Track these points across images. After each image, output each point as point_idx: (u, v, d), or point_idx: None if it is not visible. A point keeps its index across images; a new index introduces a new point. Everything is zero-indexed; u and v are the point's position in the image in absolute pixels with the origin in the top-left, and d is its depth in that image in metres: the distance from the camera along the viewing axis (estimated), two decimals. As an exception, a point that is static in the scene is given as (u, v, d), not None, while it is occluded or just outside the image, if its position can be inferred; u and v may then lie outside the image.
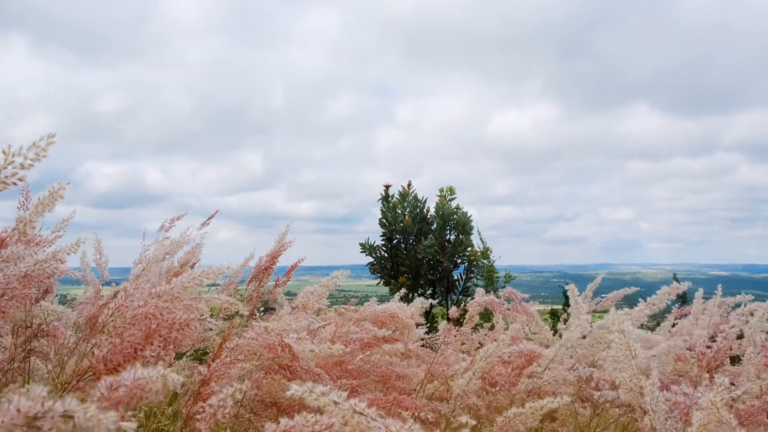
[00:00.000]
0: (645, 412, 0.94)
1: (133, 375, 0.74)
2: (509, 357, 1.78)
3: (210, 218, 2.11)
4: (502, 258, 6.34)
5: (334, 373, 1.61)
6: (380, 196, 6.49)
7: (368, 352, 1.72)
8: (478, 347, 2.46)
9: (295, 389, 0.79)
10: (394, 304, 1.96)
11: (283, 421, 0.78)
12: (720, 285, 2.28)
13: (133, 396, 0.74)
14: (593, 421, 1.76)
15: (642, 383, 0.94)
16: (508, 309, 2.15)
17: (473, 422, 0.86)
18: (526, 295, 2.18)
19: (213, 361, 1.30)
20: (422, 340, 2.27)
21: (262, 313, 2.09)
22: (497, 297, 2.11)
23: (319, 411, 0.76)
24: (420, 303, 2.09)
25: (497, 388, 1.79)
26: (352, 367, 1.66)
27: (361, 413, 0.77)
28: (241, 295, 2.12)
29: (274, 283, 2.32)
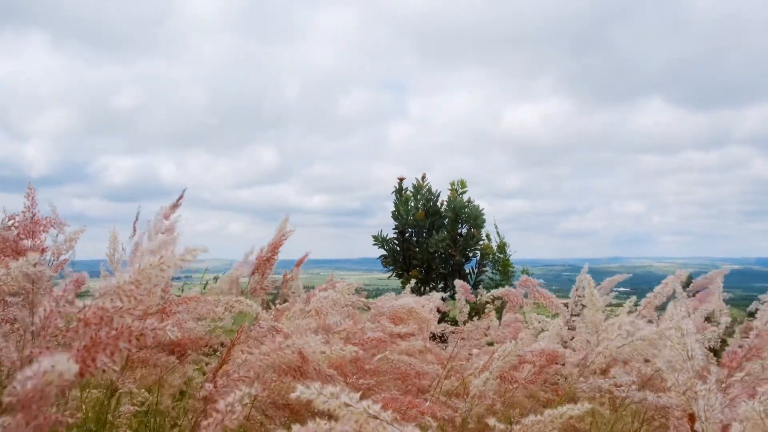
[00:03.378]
0: (693, 419, 0.88)
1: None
2: (531, 357, 1.72)
3: (179, 199, 1.92)
4: (513, 251, 6.29)
5: (349, 370, 1.57)
6: (393, 189, 6.46)
7: (385, 352, 1.66)
8: (487, 339, 2.40)
9: (302, 391, 0.73)
10: (412, 299, 1.90)
11: (295, 428, 0.72)
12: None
13: (39, 391, 0.71)
14: (612, 416, 1.72)
15: (697, 387, 0.87)
16: (525, 298, 2.12)
17: (501, 426, 0.82)
18: (542, 281, 2.15)
19: (217, 376, 1.21)
20: (434, 334, 2.22)
21: (273, 305, 2.04)
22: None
23: (334, 416, 0.70)
24: (438, 297, 2.03)
25: (515, 386, 1.74)
26: (370, 367, 1.60)
27: (375, 417, 0.71)
28: (243, 289, 2.07)
29: (281, 276, 2.25)
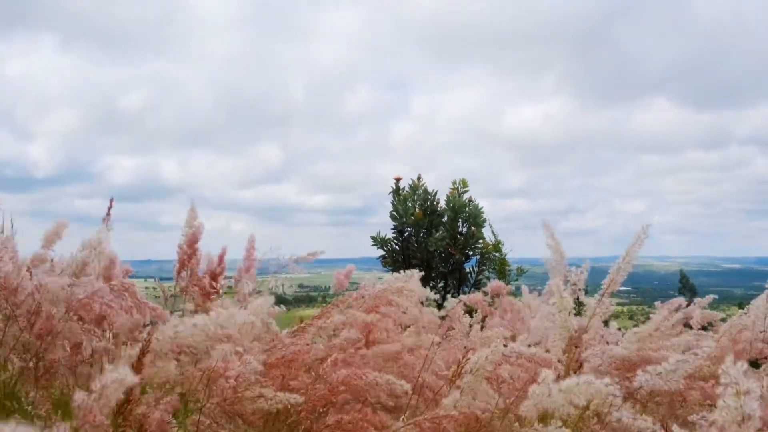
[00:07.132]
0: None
1: None
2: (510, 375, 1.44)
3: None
4: (515, 250, 6.31)
5: (313, 386, 1.39)
6: (391, 190, 6.50)
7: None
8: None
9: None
10: (395, 277, 1.58)
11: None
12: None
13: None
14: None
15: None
16: (493, 306, 1.94)
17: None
18: (539, 288, 2.06)
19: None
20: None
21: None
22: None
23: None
24: (415, 274, 1.67)
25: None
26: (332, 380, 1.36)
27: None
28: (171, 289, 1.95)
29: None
